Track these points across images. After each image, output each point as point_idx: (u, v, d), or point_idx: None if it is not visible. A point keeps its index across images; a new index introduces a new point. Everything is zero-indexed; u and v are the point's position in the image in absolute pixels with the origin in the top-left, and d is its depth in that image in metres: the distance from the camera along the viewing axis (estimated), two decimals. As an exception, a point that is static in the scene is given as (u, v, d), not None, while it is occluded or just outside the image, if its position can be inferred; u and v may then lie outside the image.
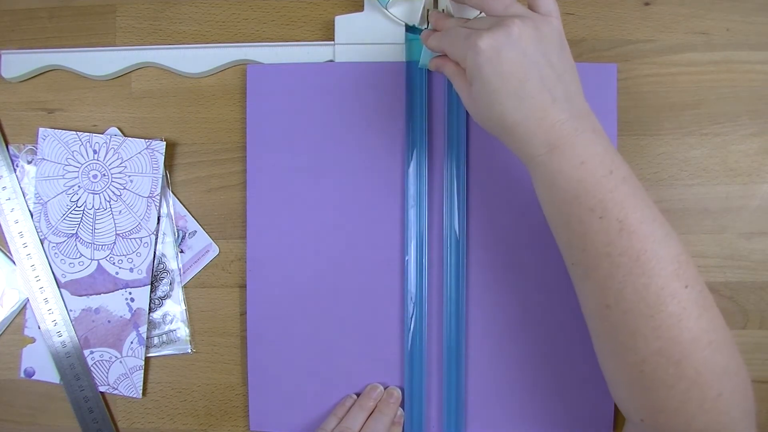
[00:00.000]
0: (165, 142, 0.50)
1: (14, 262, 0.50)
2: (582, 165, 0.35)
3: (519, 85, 0.35)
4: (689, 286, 0.34)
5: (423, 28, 0.48)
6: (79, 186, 0.50)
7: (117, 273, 0.50)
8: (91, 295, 0.50)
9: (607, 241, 0.35)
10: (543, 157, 0.36)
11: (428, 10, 0.46)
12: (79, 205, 0.50)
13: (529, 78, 0.35)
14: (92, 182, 0.50)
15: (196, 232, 0.51)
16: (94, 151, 0.50)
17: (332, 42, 0.49)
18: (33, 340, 0.50)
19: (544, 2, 0.38)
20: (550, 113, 0.35)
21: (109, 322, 0.50)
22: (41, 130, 0.50)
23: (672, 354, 0.34)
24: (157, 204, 0.50)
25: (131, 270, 0.50)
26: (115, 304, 0.50)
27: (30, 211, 0.50)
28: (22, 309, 0.51)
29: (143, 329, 0.50)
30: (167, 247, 0.50)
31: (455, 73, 0.40)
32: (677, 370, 0.34)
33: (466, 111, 0.48)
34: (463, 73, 0.38)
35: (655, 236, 0.35)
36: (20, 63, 0.50)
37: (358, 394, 0.48)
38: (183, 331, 0.50)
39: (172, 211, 0.50)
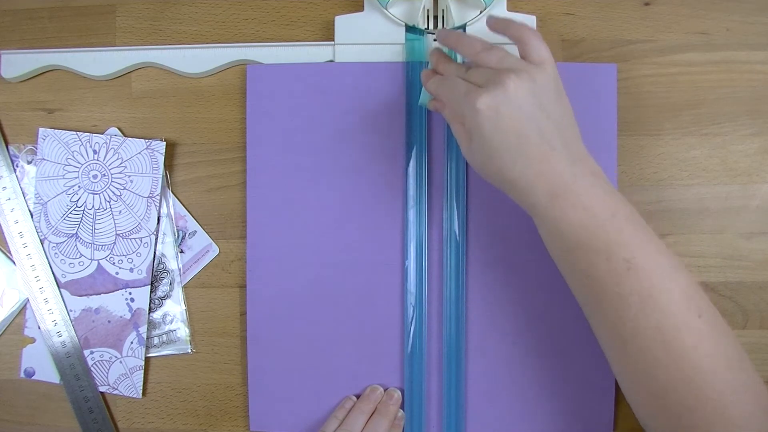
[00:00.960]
0: (165, 142, 0.50)
1: (14, 262, 0.50)
2: (584, 211, 0.36)
3: (518, 141, 0.36)
4: (702, 315, 0.35)
5: (423, 28, 0.48)
6: (79, 186, 0.50)
7: (117, 273, 0.50)
8: (91, 295, 0.50)
9: (616, 281, 0.35)
10: (545, 206, 0.36)
11: (429, 50, 0.46)
12: (79, 205, 0.50)
13: (529, 133, 0.36)
14: (92, 182, 0.50)
15: (196, 232, 0.51)
16: (94, 151, 0.50)
17: (332, 42, 0.49)
18: (33, 340, 0.50)
19: (537, 51, 0.38)
20: (550, 164, 0.36)
21: (109, 322, 0.50)
22: (41, 130, 0.50)
23: (693, 380, 0.34)
24: (157, 204, 0.50)
25: (131, 270, 0.50)
26: (115, 304, 0.50)
27: (30, 211, 0.50)
28: (22, 309, 0.51)
29: (143, 329, 0.50)
30: (167, 247, 0.50)
31: (454, 119, 0.40)
32: (699, 394, 0.34)
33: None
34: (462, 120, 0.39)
35: (663, 271, 0.35)
36: (20, 63, 0.50)
37: (358, 396, 0.48)
38: (183, 331, 0.50)
39: (172, 211, 0.50)
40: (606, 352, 0.39)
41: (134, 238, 0.50)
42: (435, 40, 0.45)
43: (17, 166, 0.51)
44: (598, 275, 0.36)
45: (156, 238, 0.50)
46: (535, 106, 0.36)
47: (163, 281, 0.50)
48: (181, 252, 0.51)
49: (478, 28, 0.48)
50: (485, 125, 0.36)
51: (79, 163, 0.50)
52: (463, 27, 0.48)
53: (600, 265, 0.36)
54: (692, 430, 0.34)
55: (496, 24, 0.39)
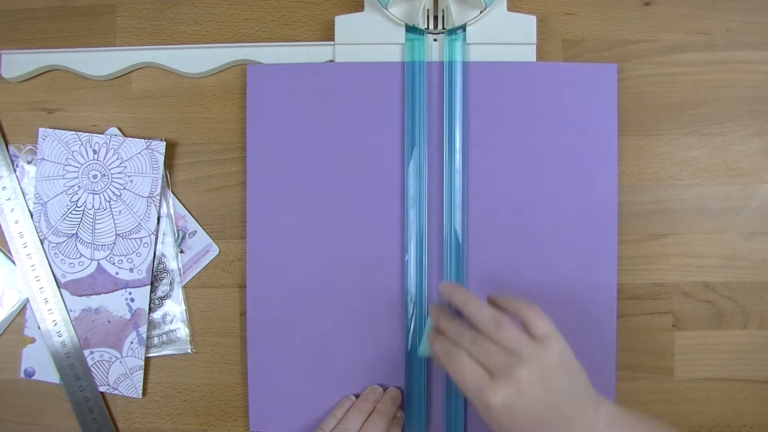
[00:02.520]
0: (165, 142, 0.50)
1: (14, 262, 0.50)
2: None
3: (538, 428, 0.36)
4: None
5: (423, 28, 0.48)
6: (79, 186, 0.50)
7: (117, 273, 0.50)
8: (91, 295, 0.50)
9: None
10: None
11: (430, 306, 0.44)
12: (79, 205, 0.50)
13: (546, 418, 0.36)
14: (92, 182, 0.50)
15: (196, 232, 0.51)
16: (94, 151, 0.50)
17: (332, 42, 0.49)
18: (33, 340, 0.50)
19: (539, 327, 0.38)
20: None
21: (109, 322, 0.50)
22: (41, 130, 0.50)
23: None
24: (157, 204, 0.50)
25: (131, 270, 0.50)
26: (115, 304, 0.50)
27: (30, 211, 0.50)
28: (22, 309, 0.51)
29: (143, 329, 0.50)
30: (167, 247, 0.50)
31: (464, 393, 0.39)
32: None
33: (465, 110, 0.48)
34: None
35: None
36: (20, 63, 0.50)
37: (358, 396, 0.48)
38: (183, 331, 0.50)
39: (172, 211, 0.50)
40: None
41: (134, 238, 0.50)
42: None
43: (17, 166, 0.51)
44: None
45: (156, 238, 0.50)
46: (548, 392, 0.36)
47: (163, 281, 0.50)
48: (181, 252, 0.51)
49: (478, 28, 0.48)
50: (502, 421, 0.36)
51: (79, 163, 0.50)
52: (463, 27, 0.48)
53: None
54: None
55: (497, 303, 0.40)
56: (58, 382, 0.50)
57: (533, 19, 0.48)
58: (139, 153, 0.50)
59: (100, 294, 0.50)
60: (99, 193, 0.50)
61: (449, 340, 0.40)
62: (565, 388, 0.37)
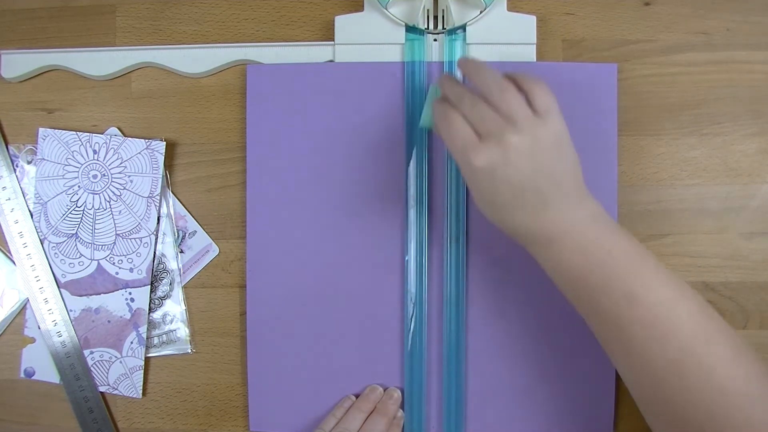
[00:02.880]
0: (165, 142, 0.50)
1: (14, 262, 0.50)
2: (581, 253, 0.36)
3: (514, 198, 0.36)
4: (712, 339, 0.35)
5: (423, 28, 0.48)
6: (79, 186, 0.50)
7: (117, 273, 0.50)
8: (91, 295, 0.50)
9: (618, 314, 0.36)
10: (542, 251, 0.38)
11: (442, 75, 0.43)
12: (79, 205, 0.50)
13: (525, 190, 0.36)
14: (92, 182, 0.50)
15: (196, 232, 0.51)
16: (94, 151, 0.50)
17: (332, 42, 0.49)
18: (33, 340, 0.50)
19: (541, 101, 0.37)
20: (547, 215, 0.37)
21: (109, 322, 0.50)
22: (41, 130, 0.50)
23: (712, 407, 0.34)
24: (157, 204, 0.50)
25: (131, 270, 0.50)
26: (115, 304, 0.50)
27: (30, 211, 0.50)
28: (22, 309, 0.51)
29: (143, 329, 0.50)
30: (167, 247, 0.50)
31: (453, 156, 0.39)
32: (721, 418, 0.33)
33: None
34: None
35: (666, 301, 0.35)
36: (20, 63, 0.50)
37: (358, 396, 0.48)
38: (183, 331, 0.50)
39: (172, 211, 0.50)
40: (624, 381, 0.39)
41: (134, 238, 0.50)
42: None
43: (17, 166, 0.51)
44: (600, 310, 0.36)
45: (156, 238, 0.50)
46: (534, 165, 0.36)
47: (163, 281, 0.50)
48: (181, 252, 0.51)
49: (478, 28, 0.48)
50: (482, 183, 0.36)
51: (79, 163, 0.50)
52: (463, 27, 0.48)
53: (601, 301, 0.36)
54: None
55: (509, 77, 0.39)
56: (58, 382, 0.50)
57: (533, 19, 0.48)
58: (139, 153, 0.50)
59: (100, 294, 0.50)
60: (99, 193, 0.50)
61: (449, 104, 0.39)
62: (552, 168, 0.36)
